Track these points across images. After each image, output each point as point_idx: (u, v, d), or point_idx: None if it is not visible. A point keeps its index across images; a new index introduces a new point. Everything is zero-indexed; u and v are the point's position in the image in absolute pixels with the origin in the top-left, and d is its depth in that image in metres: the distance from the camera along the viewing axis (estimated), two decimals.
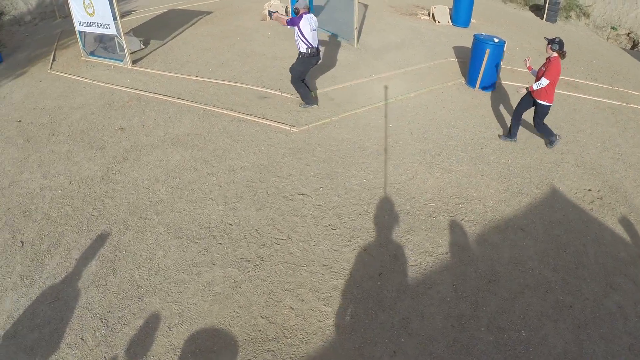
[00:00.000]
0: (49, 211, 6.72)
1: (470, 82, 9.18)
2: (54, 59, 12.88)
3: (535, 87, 6.61)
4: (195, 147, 7.86)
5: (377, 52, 11.22)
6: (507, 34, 12.35)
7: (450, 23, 13.36)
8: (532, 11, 17.87)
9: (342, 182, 6.53)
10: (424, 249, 5.28)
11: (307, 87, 8.18)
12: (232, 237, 5.61)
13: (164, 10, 16.92)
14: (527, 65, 7.13)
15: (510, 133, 7.45)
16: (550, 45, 6.44)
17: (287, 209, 6.43)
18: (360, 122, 7.96)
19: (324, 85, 10.04)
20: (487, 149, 7.30)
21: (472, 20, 13.21)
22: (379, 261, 5.14)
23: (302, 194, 6.73)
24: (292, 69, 7.96)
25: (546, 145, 7.38)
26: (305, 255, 5.26)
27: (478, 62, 8.73)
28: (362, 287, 4.88)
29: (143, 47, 12.51)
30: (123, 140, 8.23)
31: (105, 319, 4.95)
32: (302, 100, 8.39)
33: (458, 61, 10.73)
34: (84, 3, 11.20)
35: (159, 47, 12.51)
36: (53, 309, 5.25)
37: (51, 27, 17.38)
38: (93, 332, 4.86)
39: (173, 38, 13.46)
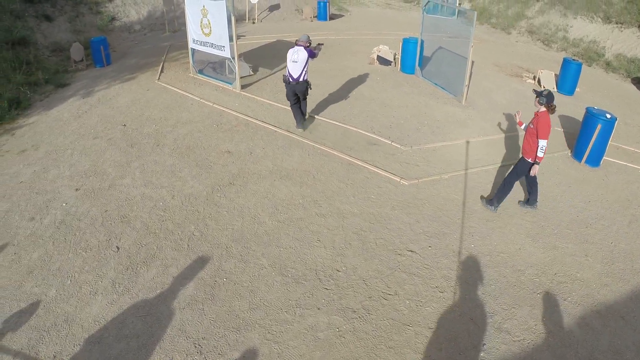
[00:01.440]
0: (149, 221, 7.29)
1: (577, 155, 9.38)
2: (162, 71, 14.22)
3: (540, 154, 6.62)
4: (304, 184, 8.30)
5: (484, 112, 11.82)
6: (611, 107, 12.39)
7: (555, 89, 13.90)
8: (635, 84, 17.79)
9: (450, 243, 6.84)
10: (527, 325, 5.48)
11: (302, 112, 9.81)
12: (338, 284, 5.86)
13: (272, 40, 18.31)
14: (517, 120, 7.39)
15: (529, 200, 7.71)
16: (537, 99, 6.54)
17: (396, 263, 6.63)
18: (468, 183, 8.24)
19: (433, 139, 10.50)
20: (592, 228, 7.35)
21: (577, 89, 13.29)
22: (484, 331, 5.23)
23: (411, 251, 6.94)
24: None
25: (486, 202, 7.73)
26: (411, 315, 5.44)
27: (587, 136, 8.98)
28: (466, 355, 4.96)
29: (252, 73, 13.54)
30: (230, 164, 8.83)
31: (199, 345, 5.28)
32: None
33: (563, 131, 10.89)
34: (201, 23, 12.49)
35: (267, 76, 13.51)
36: (144, 323, 5.68)
37: (159, 40, 19.28)
38: (185, 355, 5.22)
39: (282, 69, 14.47)
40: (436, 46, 13.55)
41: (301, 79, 9.17)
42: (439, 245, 7.04)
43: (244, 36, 18.67)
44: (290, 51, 9.13)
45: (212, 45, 12.42)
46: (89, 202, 8.03)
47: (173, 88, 12.67)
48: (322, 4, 23.51)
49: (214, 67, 13.79)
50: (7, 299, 6.06)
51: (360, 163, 9.10)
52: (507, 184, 7.31)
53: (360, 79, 13.82)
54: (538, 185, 7.53)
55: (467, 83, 12.11)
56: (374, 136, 10.16)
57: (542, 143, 6.55)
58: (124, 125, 10.64)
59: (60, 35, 17.80)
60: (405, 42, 14.32)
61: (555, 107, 6.66)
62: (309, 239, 6.97)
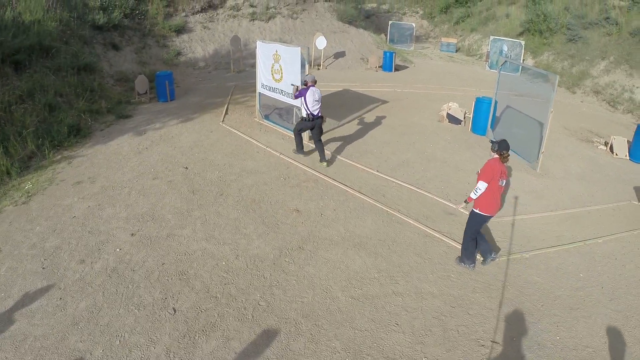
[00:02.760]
0: (210, 283, 6.84)
1: None
2: (226, 112, 14.14)
3: (473, 195, 6.71)
4: (379, 255, 7.74)
5: (560, 182, 11.34)
6: None
7: (628, 157, 13.64)
8: None
9: (534, 335, 6.28)
10: None
11: (302, 140, 10.93)
12: None
13: (338, 89, 18.09)
14: None
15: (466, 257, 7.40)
16: (491, 146, 6.74)
17: (479, 356, 6.01)
18: (550, 264, 7.74)
19: (510, 211, 9.88)
20: None
21: None
22: None
23: (495, 342, 6.35)
24: (296, 124, 10.78)
25: (458, 260, 7.51)
26: None
27: None
28: None
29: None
30: (299, 224, 8.33)
31: None
32: (296, 148, 11.16)
33: None
34: (272, 68, 12.47)
35: (335, 128, 13.20)
36: None
37: (224, 79, 19.42)
38: None
39: (349, 122, 14.36)
40: (509, 107, 13.16)
41: (318, 115, 10.36)
42: (523, 336, 6.42)
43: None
44: (311, 91, 10.18)
45: (281, 92, 12.23)
46: (145, 250, 7.68)
47: (238, 132, 12.44)
48: (388, 54, 23.50)
49: (280, 113, 13.57)
50: (48, 350, 5.68)
51: (438, 235, 8.56)
52: (466, 240, 7.26)
53: (431, 138, 13.42)
54: (481, 242, 7.40)
55: (543, 150, 11.36)
56: (450, 204, 9.57)
57: (479, 185, 6.63)
58: (186, 168, 10.35)
59: (126, 65, 18.14)
60: (479, 102, 13.93)
61: (508, 156, 6.73)
62: (386, 321, 6.42)
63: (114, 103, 15.19)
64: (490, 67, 25.94)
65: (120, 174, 10.20)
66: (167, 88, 15.61)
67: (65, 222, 8.43)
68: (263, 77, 12.91)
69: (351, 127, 13.68)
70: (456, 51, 31.32)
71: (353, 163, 11.15)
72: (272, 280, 7.02)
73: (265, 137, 12.32)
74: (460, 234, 8.25)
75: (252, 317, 6.28)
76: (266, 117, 13.54)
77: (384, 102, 16.81)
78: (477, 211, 6.87)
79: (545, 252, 8.44)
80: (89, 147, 11.81)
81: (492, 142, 6.90)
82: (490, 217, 6.91)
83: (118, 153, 11.30)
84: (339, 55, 24.33)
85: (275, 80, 12.43)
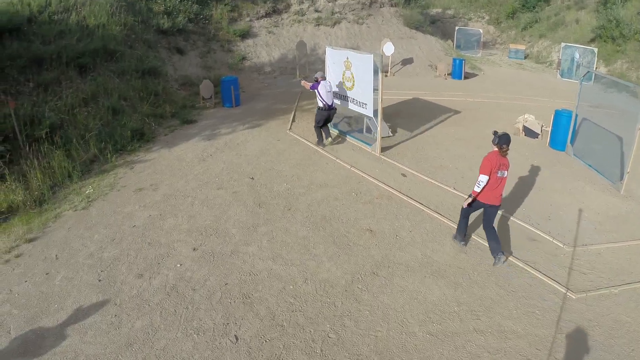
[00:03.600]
0: (275, 309, 6.34)
1: None
2: (293, 120, 13.53)
3: (476, 189, 6.93)
4: (460, 286, 6.98)
5: None
6: None
7: None
8: None
9: None
10: None
11: (323, 134, 11.96)
12: None
13: (408, 97, 17.32)
14: None
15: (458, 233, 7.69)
16: (493, 139, 6.88)
17: None
18: None
19: (596, 238, 8.62)
20: None
21: None
22: None
23: None
24: (315, 117, 11.89)
25: (453, 237, 7.91)
26: None
27: None
28: None
29: (391, 134, 12.56)
30: (372, 246, 7.66)
31: None
32: (317, 140, 12.03)
33: None
34: (343, 75, 11.91)
35: (407, 140, 12.47)
36: None
37: (290, 85, 19.03)
38: None
39: (421, 132, 13.67)
40: (588, 120, 12.00)
41: (334, 105, 11.72)
42: None
43: (377, 89, 17.75)
44: (322, 84, 11.51)
45: (352, 100, 11.59)
46: (207, 267, 7.26)
47: (305, 141, 11.90)
48: (457, 61, 22.55)
49: (349, 122, 12.97)
50: None
51: (520, 264, 7.63)
52: (460, 217, 7.61)
53: (508, 153, 11.98)
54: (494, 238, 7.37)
55: (628, 170, 10.23)
56: (534, 230, 8.62)
57: (480, 177, 6.90)
58: (252, 178, 9.91)
59: (190, 69, 18.06)
60: (558, 115, 12.66)
61: (506, 149, 6.88)
62: None
63: (178, 107, 15.08)
64: (562, 76, 24.37)
65: (183, 182, 9.90)
66: (232, 93, 15.34)
67: (125, 232, 8.18)
68: (333, 83, 12.27)
69: (424, 139, 12.93)
70: (525, 58, 29.74)
71: (428, 179, 10.40)
72: (343, 309, 6.35)
73: (334, 148, 11.78)
74: (544, 264, 7.60)
75: (321, 351, 5.69)
76: (335, 125, 12.89)
77: (456, 112, 15.84)
78: (478, 200, 7.15)
79: (634, 288, 7.40)
80: (152, 152, 11.69)
81: (494, 133, 6.98)
82: (483, 204, 7.20)
83: (181, 159, 11.01)
84: (407, 62, 23.52)
85: (347, 88, 11.85)
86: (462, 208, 7.44)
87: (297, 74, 20.39)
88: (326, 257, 7.41)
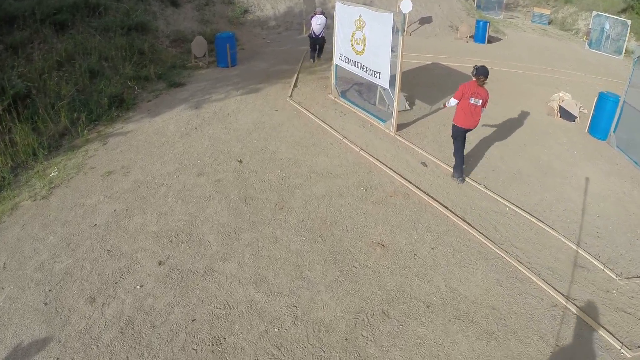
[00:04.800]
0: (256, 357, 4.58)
1: None
2: (295, 85, 11.48)
3: (447, 104, 7.74)
4: (493, 337, 4.97)
5: None
6: None
7: None
8: None
9: None
10: None
11: (311, 53, 13.88)
12: None
13: (426, 62, 14.88)
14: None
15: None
16: (472, 70, 7.31)
17: None
18: None
19: None
20: None
21: None
22: None
23: None
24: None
25: (452, 176, 7.94)
26: None
27: None
28: None
29: (409, 107, 10.31)
30: (383, 270, 5.83)
31: None
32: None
33: None
34: (352, 36, 9.83)
35: (427, 116, 10.35)
36: None
37: (295, 42, 16.67)
38: None
39: (443, 107, 10.83)
40: (637, 109, 9.82)
41: (320, 36, 13.33)
42: None
43: (394, 52, 15.23)
44: (314, 18, 13.28)
45: (363, 67, 9.42)
46: (173, 293, 5.53)
47: (308, 113, 9.79)
48: (481, 23, 20.04)
49: (360, 90, 10.72)
50: None
51: (570, 307, 5.73)
52: (456, 153, 7.83)
53: (543, 140, 10.24)
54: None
55: None
56: (582, 252, 6.70)
57: (450, 100, 7.68)
58: (240, 161, 8.06)
59: (185, 24, 15.71)
60: (603, 98, 10.49)
61: (483, 80, 7.22)
62: None
63: (166, 68, 13.02)
64: (590, 46, 21.61)
65: (159, 165, 8.15)
66: (228, 52, 12.98)
67: (84, 233, 6.50)
68: (341, 46, 10.01)
69: (446, 116, 10.52)
70: (549, 23, 26.73)
71: (450, 169, 8.36)
72: None
73: (340, 122, 9.55)
74: (595, 302, 5.87)
75: None
76: (343, 94, 10.64)
77: None
78: (454, 124, 7.57)
79: None
80: (131, 122, 9.81)
81: (474, 67, 7.33)
82: (464, 129, 7.53)
83: (162, 133, 9.26)
84: (425, 21, 20.84)
85: (356, 52, 9.58)
86: (454, 143, 7.82)
87: (304, 30, 17.80)
88: (324, 285, 5.49)
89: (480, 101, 7.31)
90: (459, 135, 7.62)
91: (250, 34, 17.25)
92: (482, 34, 19.75)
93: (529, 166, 8.76)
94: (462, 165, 7.84)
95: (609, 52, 20.88)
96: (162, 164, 8.15)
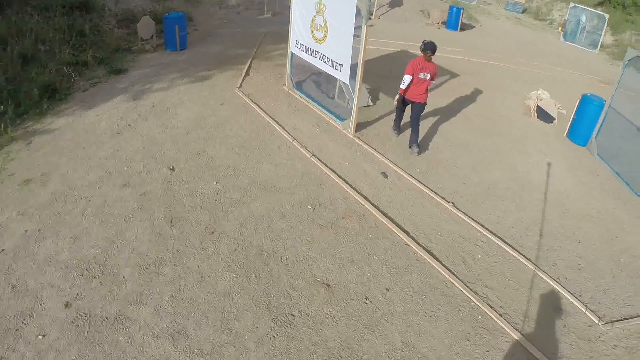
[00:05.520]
0: None
1: None
2: (247, 73, 9.96)
3: (402, 86, 7.53)
4: None
5: None
6: None
7: None
8: None
9: None
10: None
11: None
12: None
13: (394, 49, 13.38)
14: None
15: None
16: (420, 45, 7.40)
17: None
18: None
19: (636, 305, 5.52)
20: None
21: None
22: None
23: None
24: None
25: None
26: None
27: None
28: None
29: (371, 103, 8.91)
30: (327, 320, 4.92)
31: None
32: None
33: None
34: (312, 22, 8.51)
35: (392, 113, 8.97)
36: None
37: (255, 22, 15.12)
38: None
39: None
40: (621, 114, 8.83)
41: None
42: None
43: (357, 37, 13.79)
44: None
45: (323, 57, 8.14)
46: (78, 347, 4.35)
47: (257, 108, 8.56)
48: (455, 9, 18.77)
49: (319, 81, 9.39)
50: None
51: None
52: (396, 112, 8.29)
53: (520, 145, 9.12)
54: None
55: None
56: (563, 292, 5.65)
57: (404, 77, 7.48)
58: (172, 169, 6.95)
59: (137, 1, 14.12)
60: (586, 101, 9.46)
61: (430, 55, 7.39)
62: None
63: (109, 51, 11.36)
64: (565, 38, 21.02)
65: (82, 172, 6.82)
66: (177, 34, 11.30)
67: None
68: (299, 32, 8.68)
69: None
70: (523, 12, 25.49)
71: (416, 183, 7.25)
72: None
73: (293, 120, 8.23)
74: (579, 354, 4.92)
75: None
76: (298, 86, 9.25)
77: (454, 75, 12.23)
78: (402, 96, 7.61)
79: None
80: (62, 117, 8.38)
81: (423, 42, 7.45)
82: (409, 100, 7.67)
83: (92, 131, 7.91)
84: (395, 3, 19.47)
85: (316, 39, 8.27)
86: (395, 106, 7.91)
87: (265, 9, 16.17)
88: (254, 340, 4.38)
89: (429, 75, 7.42)
90: (402, 106, 7.85)
91: (206, 14, 15.57)
92: (455, 21, 18.52)
93: (504, 178, 7.62)
94: (401, 121, 8.20)
95: (584, 46, 19.92)
96: (86, 171, 6.81)
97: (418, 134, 7.83)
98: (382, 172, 7.09)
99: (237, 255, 5.38)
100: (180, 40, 11.96)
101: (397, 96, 7.71)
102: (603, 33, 19.59)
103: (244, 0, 16.94)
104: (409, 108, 7.94)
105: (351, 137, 7.97)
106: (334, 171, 7.01)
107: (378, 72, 11.22)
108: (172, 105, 8.72)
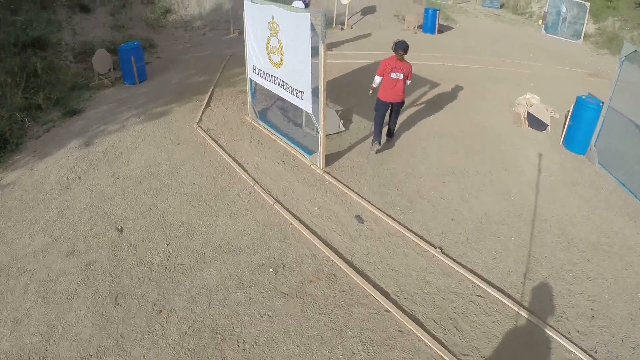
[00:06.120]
0: None
1: None
2: (208, 104, 8.98)
3: (373, 84, 7.60)
4: None
5: None
6: None
7: None
8: None
9: None
10: None
11: None
12: None
13: (368, 61, 12.43)
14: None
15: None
16: (392, 45, 7.13)
17: None
18: None
19: None
20: None
21: None
22: None
23: None
24: None
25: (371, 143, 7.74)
26: None
27: None
28: None
29: (343, 129, 7.90)
30: None
31: None
32: None
33: None
34: (268, 44, 7.45)
35: (368, 137, 8.02)
36: None
37: (221, 43, 14.42)
38: None
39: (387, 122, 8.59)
40: (621, 114, 7.79)
41: None
42: None
43: (330, 51, 12.76)
44: (293, 3, 10.06)
45: (282, 84, 7.41)
46: None
47: (216, 146, 7.75)
48: (430, 12, 17.76)
49: (284, 107, 8.58)
50: None
51: None
52: (374, 123, 7.75)
53: (513, 162, 8.07)
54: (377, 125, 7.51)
55: None
56: (576, 351, 4.60)
57: (375, 78, 7.46)
58: (120, 230, 6.08)
59: (96, 32, 13.06)
60: (581, 104, 8.46)
61: (402, 54, 7.14)
62: None
63: (65, 90, 10.55)
64: (546, 31, 20.09)
65: (27, 238, 5.92)
66: (133, 66, 10.20)
67: None
68: (255, 57, 7.66)
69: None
70: (500, 7, 24.53)
71: (397, 227, 6.11)
72: None
73: (255, 158, 7.22)
74: None
75: None
76: (262, 115, 8.22)
77: (433, 85, 11.15)
78: (377, 97, 7.46)
79: None
80: (14, 169, 7.54)
81: (394, 42, 7.15)
82: (386, 102, 7.37)
83: (41, 187, 7.00)
84: (368, 11, 18.45)
85: (274, 64, 7.23)
86: (375, 114, 7.60)
87: (231, 29, 15.15)
88: None
89: (402, 75, 7.19)
90: (381, 108, 7.49)
91: (171, 38, 14.57)
92: (431, 24, 17.51)
93: (498, 208, 6.57)
94: (380, 133, 7.69)
95: (567, 37, 18.98)
96: (31, 237, 5.93)
97: (395, 124, 7.97)
98: (356, 216, 6.03)
99: (188, 340, 4.33)
100: (139, 72, 10.91)
101: (370, 92, 7.79)
102: (585, 22, 18.55)
103: (210, 21, 15.90)
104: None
105: (320, 173, 6.92)
106: (300, 220, 5.97)
107: (350, 89, 10.21)
108: (125, 150, 7.72)
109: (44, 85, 10.40)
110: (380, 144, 7.66)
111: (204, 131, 8.25)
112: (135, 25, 14.76)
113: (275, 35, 7.08)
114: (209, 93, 9.93)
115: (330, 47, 13.75)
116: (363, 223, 6.00)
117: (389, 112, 7.65)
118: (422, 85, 10.89)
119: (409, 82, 7.39)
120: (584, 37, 18.80)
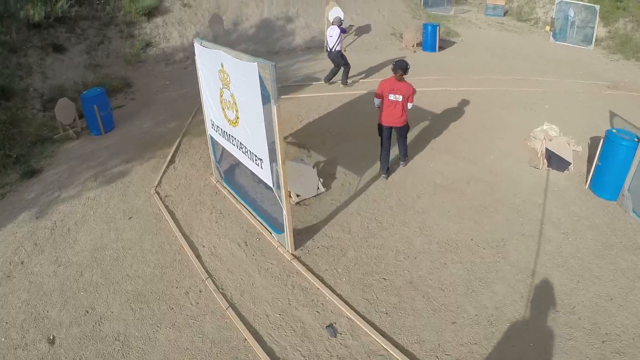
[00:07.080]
0: None
1: None
2: (172, 160, 7.40)
3: (376, 107, 7.16)
4: None
5: None
6: None
7: None
8: None
9: None
10: None
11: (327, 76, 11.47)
12: None
13: (360, 92, 11.10)
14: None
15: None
16: (391, 66, 6.94)
17: None
18: None
19: None
20: None
21: None
22: None
23: None
24: None
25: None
26: None
27: None
28: None
29: (323, 189, 6.46)
30: None
31: None
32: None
33: None
34: (221, 97, 6.06)
35: (354, 198, 6.94)
36: None
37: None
38: None
39: (378, 175, 7.50)
40: None
41: (334, 50, 10.90)
42: None
43: (311, 85, 11.41)
44: (329, 30, 11.10)
45: (240, 146, 6.15)
46: None
47: (171, 221, 6.56)
48: (430, 27, 16.17)
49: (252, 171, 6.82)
50: None
51: None
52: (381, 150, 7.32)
53: (531, 224, 6.50)
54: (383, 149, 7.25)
55: None
56: None
57: (375, 100, 7.11)
58: (51, 341, 4.96)
59: (70, 73, 12.00)
60: (612, 141, 6.89)
61: (400, 74, 6.81)
62: None
63: (27, 146, 9.67)
64: (555, 38, 18.45)
65: None
66: (97, 115, 8.94)
67: None
68: (211, 110, 6.67)
69: (379, 194, 7.15)
70: (504, 15, 22.93)
71: (380, 341, 4.71)
72: None
73: (213, 237, 5.97)
74: None
75: None
76: (227, 176, 6.83)
77: (434, 118, 9.59)
78: (379, 122, 7.09)
79: None
80: None
81: (394, 62, 6.89)
82: (387, 127, 7.02)
83: None
84: (363, 30, 17.11)
85: (229, 121, 6.15)
86: (380, 137, 7.19)
87: None
88: None
89: (401, 97, 6.80)
90: (383, 133, 7.12)
91: (150, 75, 13.38)
92: (431, 41, 16.04)
93: (515, 298, 5.09)
94: (386, 162, 7.30)
95: (577, 43, 17.39)
96: None
97: (406, 148, 7.58)
98: (328, 327, 4.59)
99: None
100: (104, 121, 9.75)
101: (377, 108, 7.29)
102: (596, 26, 16.90)
103: (192, 52, 14.55)
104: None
105: (289, 259, 5.42)
106: (257, 334, 4.55)
107: (336, 130, 8.80)
108: (74, 226, 6.68)
109: (3, 141, 9.37)
110: (387, 176, 7.41)
111: (161, 199, 6.90)
112: (113, 63, 13.56)
113: (228, 88, 5.74)
114: (175, 145, 8.65)
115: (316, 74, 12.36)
116: (336, 337, 4.51)
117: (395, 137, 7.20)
118: (422, 120, 9.31)
119: (410, 105, 6.96)
120: (595, 41, 17.19)
